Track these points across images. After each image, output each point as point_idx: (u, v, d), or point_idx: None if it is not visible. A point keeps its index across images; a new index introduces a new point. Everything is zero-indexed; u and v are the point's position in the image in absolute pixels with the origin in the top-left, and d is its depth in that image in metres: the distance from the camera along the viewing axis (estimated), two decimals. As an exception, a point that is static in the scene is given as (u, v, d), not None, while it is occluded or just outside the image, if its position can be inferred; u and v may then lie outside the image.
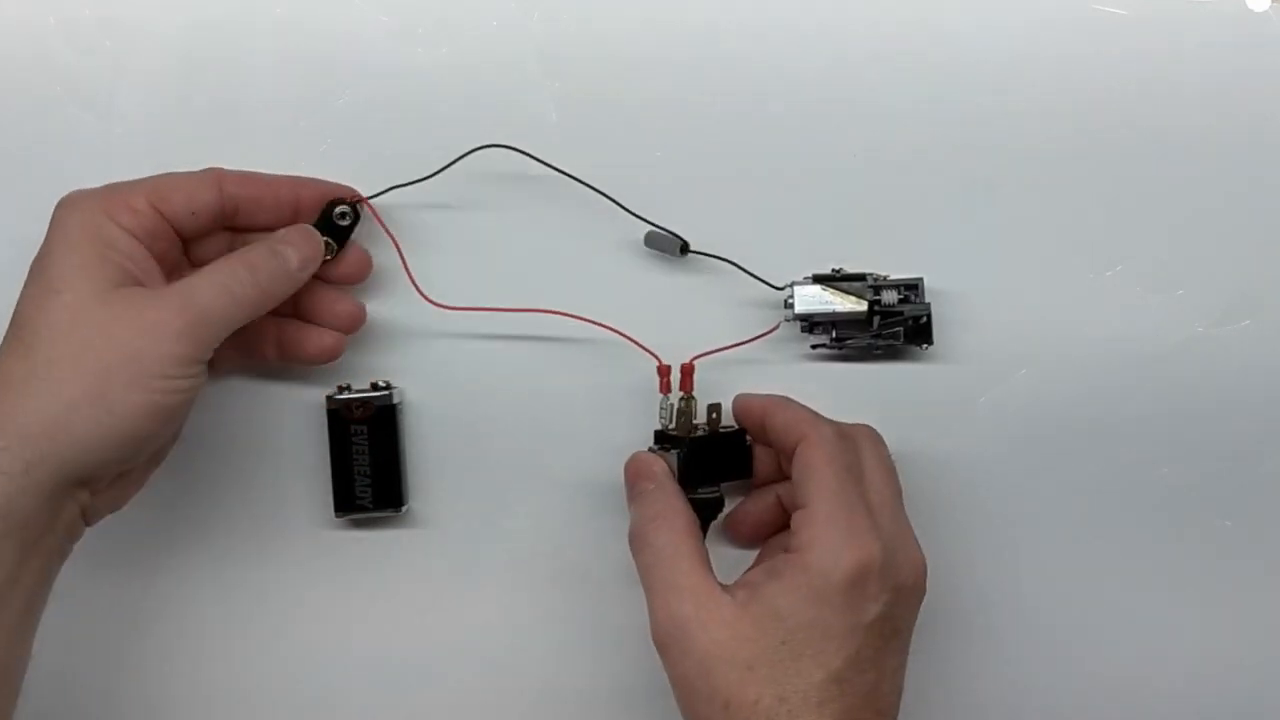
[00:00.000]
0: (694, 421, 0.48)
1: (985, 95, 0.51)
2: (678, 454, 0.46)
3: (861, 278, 0.49)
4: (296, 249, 0.45)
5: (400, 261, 0.48)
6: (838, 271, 0.49)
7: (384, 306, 0.50)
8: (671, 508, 0.44)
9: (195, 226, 0.45)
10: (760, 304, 0.50)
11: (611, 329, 0.48)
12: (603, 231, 0.50)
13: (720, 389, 0.49)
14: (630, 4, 0.51)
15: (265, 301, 0.44)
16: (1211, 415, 0.51)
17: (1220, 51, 0.51)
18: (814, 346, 0.50)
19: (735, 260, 0.49)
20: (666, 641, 0.41)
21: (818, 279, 0.49)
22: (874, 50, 0.51)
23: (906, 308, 0.49)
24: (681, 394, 0.48)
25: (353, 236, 0.48)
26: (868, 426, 0.47)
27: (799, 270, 0.49)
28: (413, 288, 0.48)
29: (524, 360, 0.50)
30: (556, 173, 0.48)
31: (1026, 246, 0.51)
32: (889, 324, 0.49)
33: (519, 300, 0.49)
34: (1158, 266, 0.51)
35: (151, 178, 0.44)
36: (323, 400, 0.49)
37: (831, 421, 0.46)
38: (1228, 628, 0.51)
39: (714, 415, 0.48)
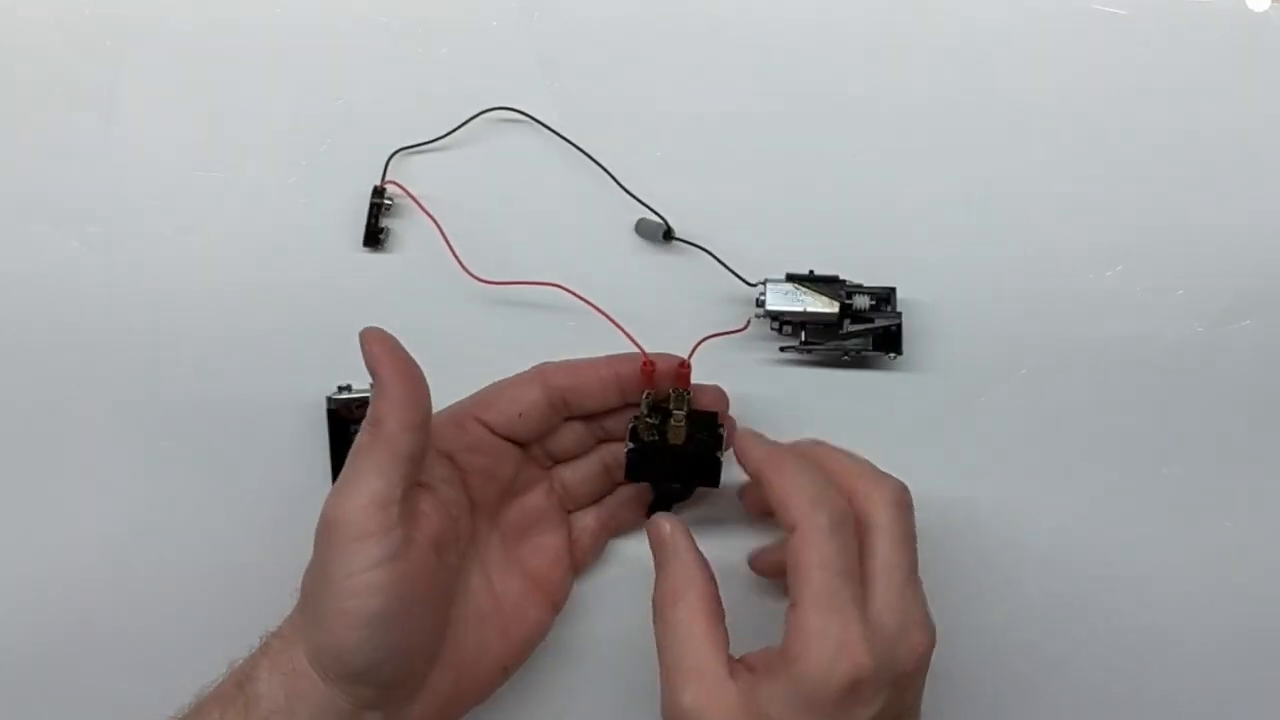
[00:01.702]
0: (681, 409, 0.46)
1: (985, 94, 0.51)
2: (627, 449, 0.46)
3: (836, 280, 0.49)
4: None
5: (443, 239, 0.49)
6: (813, 273, 0.49)
7: (385, 305, 0.50)
8: (688, 580, 0.42)
9: (528, 428, 0.46)
10: (734, 299, 0.50)
11: (616, 323, 0.48)
12: (590, 210, 0.50)
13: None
14: (629, 3, 0.51)
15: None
16: (1212, 416, 0.51)
17: (1220, 51, 0.51)
18: (783, 349, 0.50)
19: (714, 252, 0.50)
20: None
21: (791, 278, 0.49)
22: (872, 50, 0.51)
23: (878, 315, 0.49)
24: (650, 394, 0.46)
25: (389, 225, 0.50)
26: (892, 486, 0.42)
27: (777, 269, 0.49)
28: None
29: (521, 358, 0.50)
30: (553, 149, 0.50)
31: (1026, 246, 0.51)
32: (857, 330, 0.49)
33: (512, 270, 0.49)
34: (1157, 267, 0.51)
35: (482, 391, 0.46)
36: (323, 400, 0.49)
37: (835, 493, 0.41)
38: (1232, 631, 0.51)
39: (682, 420, 0.46)
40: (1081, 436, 0.51)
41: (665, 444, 0.46)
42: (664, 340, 0.47)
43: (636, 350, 0.46)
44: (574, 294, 0.48)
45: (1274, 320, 0.51)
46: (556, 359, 0.47)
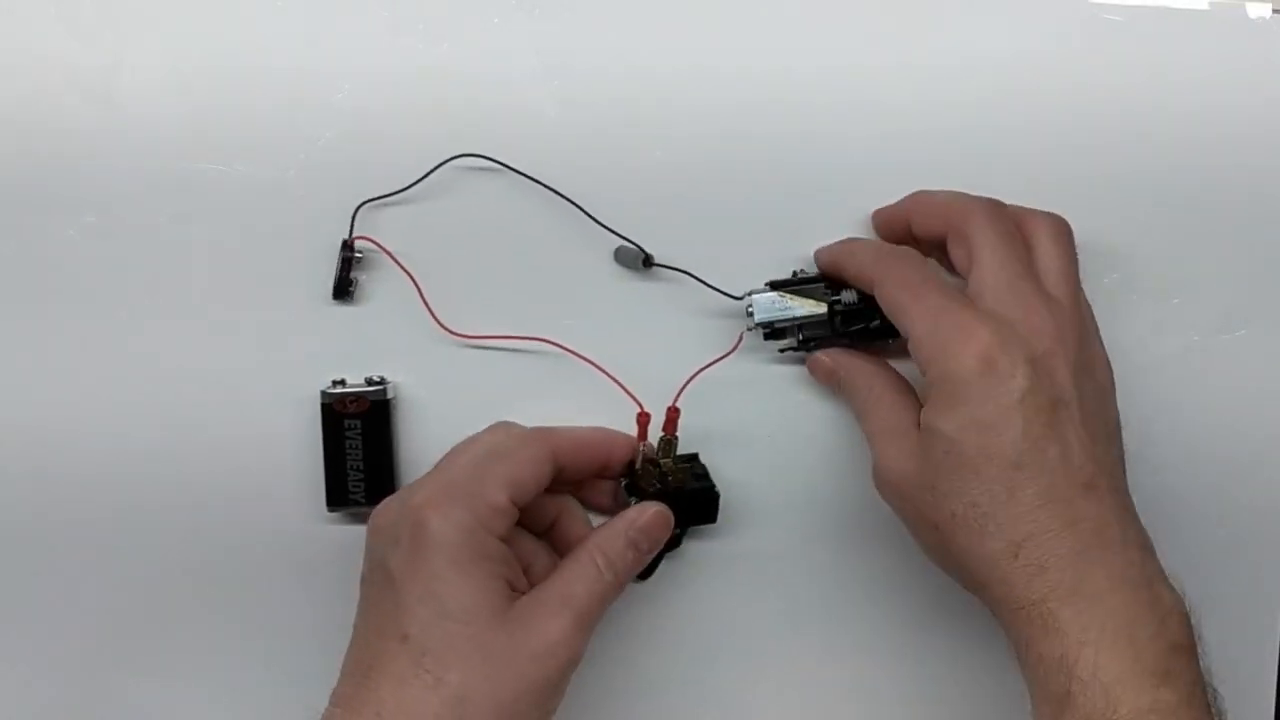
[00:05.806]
0: (672, 459, 0.48)
1: (982, 99, 0.51)
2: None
3: (819, 279, 0.49)
4: (648, 536, 0.46)
5: (418, 294, 0.49)
6: (798, 274, 0.49)
7: (382, 304, 0.50)
8: (870, 373, 0.47)
9: (536, 501, 0.46)
10: (723, 314, 0.50)
11: (605, 372, 0.49)
12: (574, 237, 0.50)
13: (692, 402, 0.49)
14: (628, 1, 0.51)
15: (619, 592, 0.45)
16: (1208, 424, 0.51)
17: (1220, 58, 0.51)
18: (782, 350, 0.50)
19: (694, 271, 0.49)
20: (878, 485, 0.45)
21: (774, 285, 0.49)
22: (867, 51, 0.51)
23: (868, 304, 0.48)
24: (646, 444, 0.48)
25: (361, 278, 0.50)
26: (1041, 215, 0.46)
27: (761, 275, 0.49)
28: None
29: (517, 363, 0.50)
30: (522, 190, 0.49)
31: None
32: (852, 322, 0.48)
33: (496, 314, 0.50)
34: (1154, 274, 0.51)
35: (499, 464, 0.44)
36: (317, 394, 0.49)
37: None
38: (1230, 635, 0.51)
39: (681, 463, 0.48)
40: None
41: (669, 489, 0.47)
42: (657, 370, 0.48)
43: (626, 422, 0.48)
44: (563, 347, 0.49)
45: (1271, 329, 0.51)
46: (541, 406, 0.49)
